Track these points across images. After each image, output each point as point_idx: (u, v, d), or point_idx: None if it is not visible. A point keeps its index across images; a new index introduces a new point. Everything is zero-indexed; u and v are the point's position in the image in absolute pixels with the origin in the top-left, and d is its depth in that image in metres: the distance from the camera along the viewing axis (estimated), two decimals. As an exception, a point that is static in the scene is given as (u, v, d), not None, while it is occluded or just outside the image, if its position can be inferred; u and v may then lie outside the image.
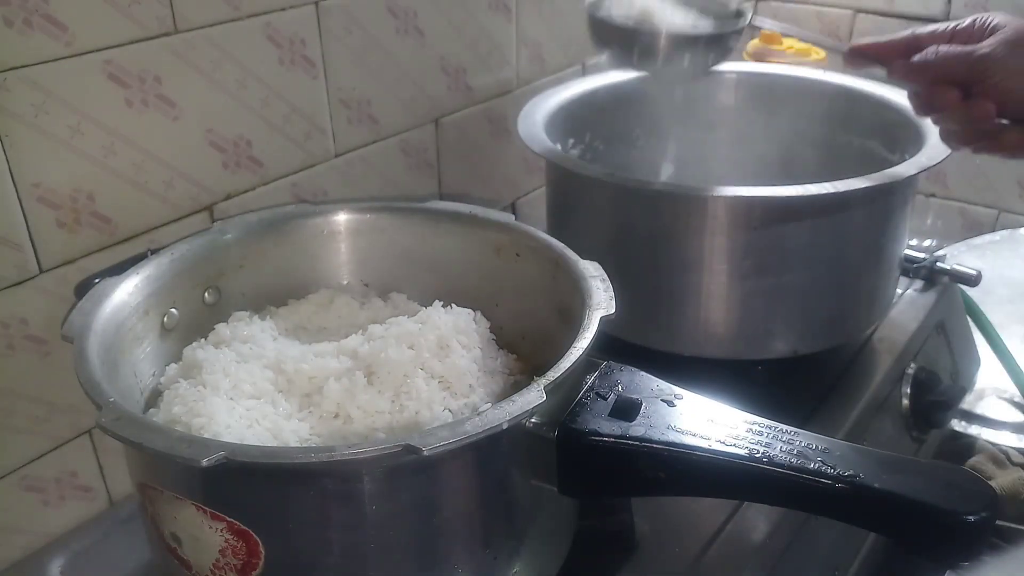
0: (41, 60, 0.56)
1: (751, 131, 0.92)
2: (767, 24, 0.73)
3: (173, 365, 0.57)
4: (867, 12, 1.26)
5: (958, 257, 1.09)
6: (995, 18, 0.63)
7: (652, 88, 0.87)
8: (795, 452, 0.45)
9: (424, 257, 0.65)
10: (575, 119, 0.83)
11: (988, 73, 0.60)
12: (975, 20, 0.64)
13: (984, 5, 1.18)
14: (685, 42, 0.70)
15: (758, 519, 0.62)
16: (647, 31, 0.70)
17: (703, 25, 0.72)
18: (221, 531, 0.44)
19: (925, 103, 0.65)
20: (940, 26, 0.65)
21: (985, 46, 0.61)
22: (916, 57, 0.64)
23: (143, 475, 0.48)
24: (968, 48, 0.62)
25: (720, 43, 0.72)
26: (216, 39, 0.65)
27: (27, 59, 0.55)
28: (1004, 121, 0.62)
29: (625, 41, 0.71)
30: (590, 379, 0.50)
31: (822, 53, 1.16)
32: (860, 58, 0.68)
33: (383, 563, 0.46)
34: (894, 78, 0.66)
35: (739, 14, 0.73)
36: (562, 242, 0.59)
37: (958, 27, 0.64)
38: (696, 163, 0.93)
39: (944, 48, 0.63)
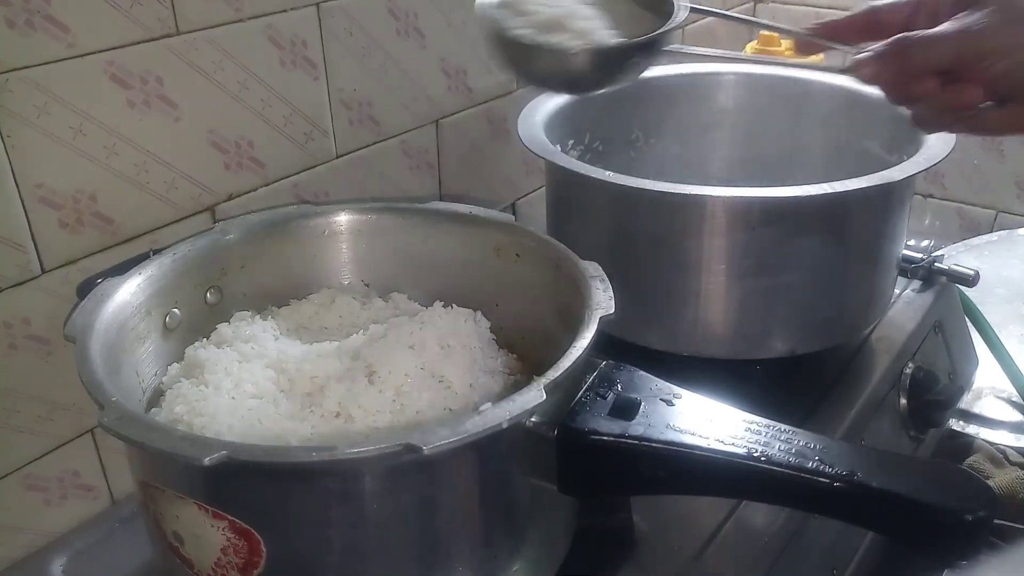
0: (43, 61, 0.56)
1: (750, 132, 0.92)
2: (704, 10, 0.62)
3: (175, 365, 0.57)
4: (866, 13, 1.26)
5: (956, 257, 1.10)
6: None
7: (651, 90, 0.87)
8: (793, 451, 0.45)
9: (424, 257, 0.65)
10: (574, 120, 0.84)
11: (980, 56, 0.51)
12: None
13: None
14: (607, 55, 0.57)
15: (756, 518, 0.62)
16: (555, 49, 0.56)
17: (629, 29, 0.59)
18: (223, 530, 0.44)
19: (900, 94, 0.55)
20: None
21: (974, 25, 0.51)
22: (883, 48, 0.54)
23: (145, 474, 0.48)
24: (950, 30, 0.51)
25: (651, 47, 0.58)
26: (218, 40, 0.65)
27: (29, 60, 0.56)
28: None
29: (529, 60, 0.58)
30: (589, 378, 0.50)
31: (819, 55, 1.16)
32: (815, 42, 0.60)
33: (384, 561, 0.46)
34: (863, 76, 0.55)
35: (671, 8, 0.59)
36: (562, 242, 0.59)
37: None
38: (695, 164, 0.93)
39: (921, 36, 0.52)
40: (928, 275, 0.88)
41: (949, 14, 0.52)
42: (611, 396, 0.49)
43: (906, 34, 0.53)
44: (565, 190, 0.77)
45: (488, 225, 0.63)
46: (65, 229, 0.60)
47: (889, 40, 0.54)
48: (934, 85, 0.53)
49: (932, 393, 0.81)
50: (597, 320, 0.50)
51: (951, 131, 0.58)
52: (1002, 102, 0.53)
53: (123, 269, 0.56)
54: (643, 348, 0.73)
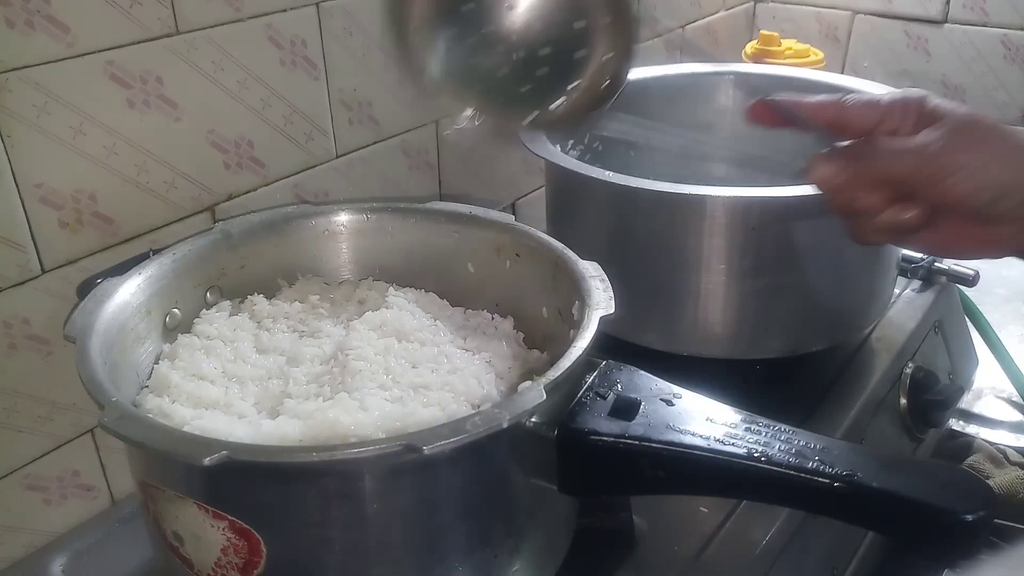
0: (43, 61, 0.56)
1: (750, 131, 0.92)
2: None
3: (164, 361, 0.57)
4: (866, 13, 1.26)
5: (956, 257, 1.10)
6: (931, 100, 0.51)
7: (651, 90, 0.87)
8: (793, 451, 0.45)
9: (424, 257, 0.65)
10: (575, 120, 0.83)
11: (940, 175, 0.49)
12: (906, 99, 0.52)
13: (982, 7, 1.18)
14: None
15: (757, 518, 0.62)
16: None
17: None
18: (223, 530, 0.44)
19: (845, 202, 0.53)
20: (867, 99, 0.53)
21: (935, 143, 0.49)
22: (846, 148, 0.53)
23: (145, 474, 0.48)
24: (913, 144, 0.50)
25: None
26: (217, 40, 0.65)
27: (29, 60, 0.56)
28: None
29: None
30: (590, 378, 0.50)
31: (820, 55, 1.16)
32: (770, 111, 0.58)
33: (384, 561, 0.46)
34: (816, 178, 0.53)
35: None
36: (562, 242, 0.59)
37: (889, 105, 0.52)
38: (695, 163, 0.93)
39: (887, 143, 0.51)
40: (928, 275, 0.88)
41: (910, 132, 0.51)
42: (611, 396, 0.49)
43: (874, 138, 0.52)
44: (565, 190, 0.77)
45: (488, 225, 0.63)
46: (65, 229, 0.60)
47: (853, 142, 0.52)
48: (880, 200, 0.51)
49: (932, 393, 0.81)
50: (597, 320, 0.50)
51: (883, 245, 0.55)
52: (935, 221, 0.51)
53: (123, 269, 0.56)
54: (643, 348, 0.73)
